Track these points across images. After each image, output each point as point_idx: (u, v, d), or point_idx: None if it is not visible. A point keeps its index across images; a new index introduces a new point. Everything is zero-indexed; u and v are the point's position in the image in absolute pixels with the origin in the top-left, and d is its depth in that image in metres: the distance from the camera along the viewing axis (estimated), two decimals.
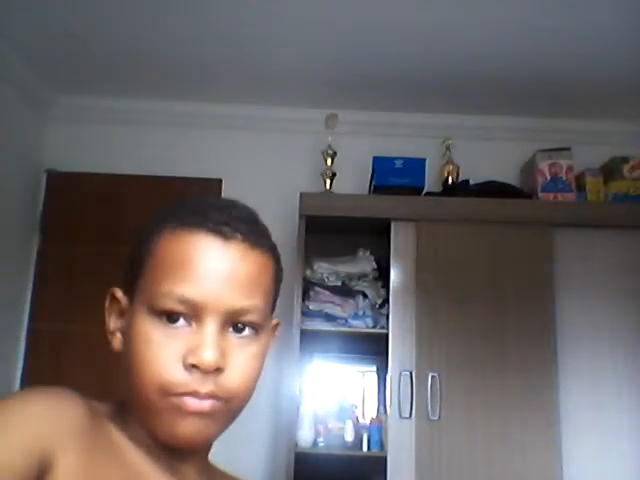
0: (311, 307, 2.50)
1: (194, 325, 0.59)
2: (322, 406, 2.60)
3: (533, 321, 2.40)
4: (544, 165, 2.67)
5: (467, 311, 2.42)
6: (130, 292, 0.63)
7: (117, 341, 0.65)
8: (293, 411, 2.38)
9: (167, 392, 0.58)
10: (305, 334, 2.44)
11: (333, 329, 2.51)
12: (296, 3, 2.23)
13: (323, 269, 2.59)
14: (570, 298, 2.44)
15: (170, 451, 0.62)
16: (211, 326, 0.59)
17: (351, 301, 2.53)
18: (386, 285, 2.52)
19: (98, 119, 3.05)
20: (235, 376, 0.61)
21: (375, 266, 2.61)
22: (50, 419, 0.53)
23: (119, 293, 0.65)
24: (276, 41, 2.50)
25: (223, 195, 3.01)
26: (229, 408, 0.61)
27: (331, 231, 2.72)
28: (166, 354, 0.58)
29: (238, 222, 0.62)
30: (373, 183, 2.66)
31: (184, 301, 0.58)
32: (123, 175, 2.94)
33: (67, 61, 2.72)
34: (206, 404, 0.58)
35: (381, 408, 2.55)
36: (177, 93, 2.97)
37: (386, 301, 2.51)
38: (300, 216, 2.50)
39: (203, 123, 3.07)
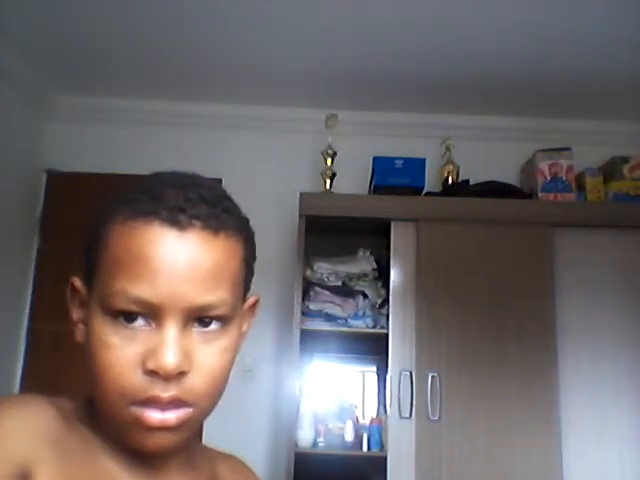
0: (311, 307, 2.50)
1: (153, 325, 0.54)
2: (322, 406, 2.60)
3: (533, 321, 2.40)
4: (544, 165, 2.67)
5: (467, 311, 2.42)
6: (88, 284, 0.58)
7: (80, 333, 0.59)
8: (293, 411, 2.38)
9: (127, 400, 0.53)
10: (305, 334, 2.44)
11: (333, 329, 2.51)
12: (296, 3, 2.23)
13: (323, 269, 2.59)
14: (570, 298, 2.44)
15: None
16: (171, 326, 0.54)
17: (351, 301, 2.53)
18: (386, 285, 2.52)
19: (98, 119, 3.05)
20: (202, 377, 0.55)
21: (375, 266, 2.61)
22: (22, 433, 0.51)
23: (78, 283, 0.60)
24: (276, 41, 2.50)
25: None
26: (198, 411, 0.56)
27: (331, 231, 2.72)
28: (124, 358, 0.53)
29: (197, 205, 0.55)
30: (373, 183, 2.66)
31: (140, 302, 0.53)
32: (123, 175, 2.93)
33: (67, 61, 2.72)
34: (171, 417, 0.54)
35: (381, 408, 2.55)
36: (177, 93, 2.98)
37: (386, 301, 2.51)
38: (300, 216, 2.50)
39: (203, 123, 3.07)
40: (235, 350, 0.60)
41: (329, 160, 2.67)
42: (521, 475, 2.28)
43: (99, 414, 0.58)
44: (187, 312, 0.54)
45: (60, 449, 0.53)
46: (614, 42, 2.39)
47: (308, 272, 2.57)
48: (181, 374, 0.53)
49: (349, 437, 2.46)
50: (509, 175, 2.88)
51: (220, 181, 3.03)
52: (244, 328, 0.65)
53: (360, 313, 2.51)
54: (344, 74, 2.73)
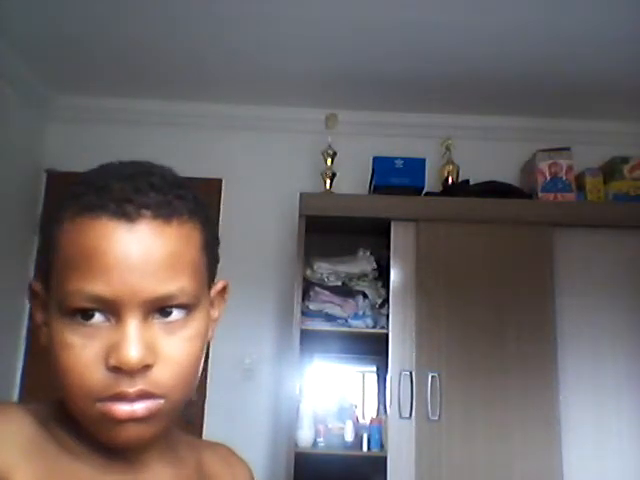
0: (311, 307, 2.50)
1: (113, 320, 0.52)
2: (322, 406, 2.60)
3: (533, 321, 2.40)
4: (544, 165, 2.67)
5: (467, 311, 2.42)
6: (46, 286, 0.57)
7: (44, 336, 0.57)
8: (293, 411, 2.38)
9: (93, 397, 0.52)
10: (305, 334, 2.44)
11: (333, 329, 2.51)
12: (296, 3, 2.23)
13: (323, 269, 2.59)
14: (570, 298, 2.44)
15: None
16: (131, 320, 0.52)
17: (351, 301, 2.53)
18: (386, 285, 2.52)
19: (98, 119, 3.05)
20: (169, 368, 0.54)
21: (375, 266, 2.62)
22: None
23: (37, 286, 0.58)
24: (276, 41, 2.50)
25: (223, 196, 3.01)
26: (170, 402, 0.55)
27: (331, 231, 2.72)
28: (86, 357, 0.52)
29: (145, 194, 0.53)
30: (373, 183, 2.66)
31: (96, 299, 0.51)
32: None
33: (67, 61, 2.72)
34: (140, 408, 0.52)
35: (381, 408, 2.55)
36: (177, 93, 2.98)
37: (386, 301, 2.51)
38: (300, 216, 2.50)
39: (203, 123, 3.07)
40: (203, 338, 0.58)
41: (329, 160, 2.67)
42: (521, 475, 2.28)
43: (70, 414, 0.57)
44: (146, 305, 0.53)
45: (36, 455, 0.52)
46: (614, 42, 2.39)
47: (308, 272, 2.57)
48: (146, 367, 0.52)
49: (349, 437, 2.46)
50: (509, 175, 2.88)
51: (220, 181, 3.05)
52: (215, 315, 0.64)
53: (360, 313, 2.51)
54: (344, 74, 2.73)
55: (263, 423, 2.80)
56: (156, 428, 0.55)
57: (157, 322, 0.54)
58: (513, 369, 2.37)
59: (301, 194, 2.54)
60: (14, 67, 2.69)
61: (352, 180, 2.86)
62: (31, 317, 0.58)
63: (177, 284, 0.54)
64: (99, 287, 0.51)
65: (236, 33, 2.44)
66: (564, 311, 2.42)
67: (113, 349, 0.51)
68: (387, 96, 2.90)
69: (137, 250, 0.52)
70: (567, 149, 2.70)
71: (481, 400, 2.35)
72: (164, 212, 0.54)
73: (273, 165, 3.05)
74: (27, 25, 2.43)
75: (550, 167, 2.67)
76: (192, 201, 0.57)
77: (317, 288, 2.54)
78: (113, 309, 0.52)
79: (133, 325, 0.52)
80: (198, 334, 0.57)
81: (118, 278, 0.51)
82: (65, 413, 0.57)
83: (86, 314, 0.52)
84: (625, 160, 2.70)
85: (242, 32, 2.44)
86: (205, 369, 2.83)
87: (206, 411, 2.79)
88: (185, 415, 2.78)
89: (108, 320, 0.52)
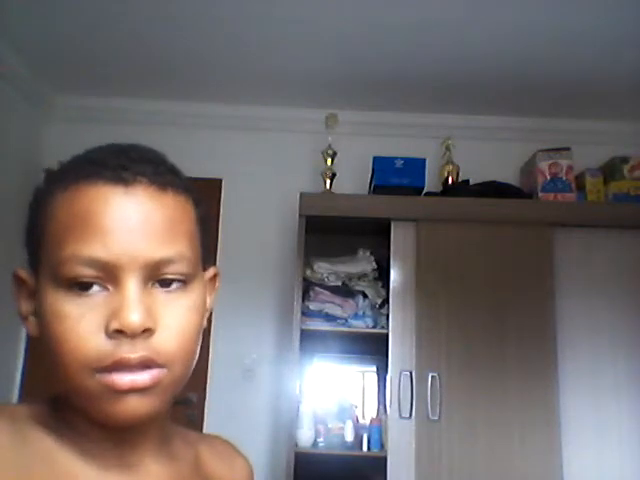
0: (311, 307, 2.50)
1: (111, 288, 0.51)
2: (322, 406, 2.60)
3: (533, 321, 2.40)
4: (544, 165, 2.67)
5: (467, 311, 2.42)
6: (35, 269, 0.55)
7: (32, 326, 0.56)
8: (293, 411, 2.38)
9: (93, 368, 0.50)
10: (305, 334, 2.44)
11: (333, 329, 2.51)
12: (296, 3, 2.23)
13: (323, 269, 2.59)
14: (570, 298, 2.44)
15: (118, 437, 0.56)
16: (132, 284, 0.51)
17: (351, 301, 2.53)
18: (386, 285, 2.52)
19: (98, 119, 3.05)
20: (170, 335, 0.52)
21: (375, 266, 2.62)
22: None
23: (24, 273, 0.57)
24: (276, 41, 2.50)
25: (223, 196, 3.01)
26: (172, 373, 0.53)
27: (331, 231, 2.72)
28: (84, 326, 0.50)
29: (140, 164, 0.53)
30: (373, 183, 2.66)
31: (93, 263, 0.50)
32: None
33: (67, 61, 2.73)
34: (144, 377, 0.50)
35: (381, 408, 2.55)
36: (177, 93, 2.98)
37: (386, 301, 2.51)
38: (300, 216, 2.50)
39: (203, 123, 3.07)
40: (202, 312, 0.57)
41: (329, 160, 2.67)
42: (521, 475, 2.28)
43: (65, 405, 0.55)
44: (145, 268, 0.51)
45: (11, 458, 0.50)
46: (614, 42, 2.39)
47: (308, 272, 2.57)
48: (147, 332, 0.50)
49: (349, 437, 2.46)
50: (509, 175, 2.88)
51: (220, 181, 3.05)
52: (208, 303, 0.62)
53: (360, 313, 2.51)
54: (344, 74, 2.73)
55: (263, 423, 2.80)
56: (159, 401, 0.53)
57: (156, 290, 0.53)
58: (513, 369, 2.37)
59: (301, 194, 2.54)
60: (14, 67, 2.69)
61: (352, 180, 2.86)
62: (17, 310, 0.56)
63: (176, 248, 0.53)
64: (97, 250, 0.50)
65: (236, 33, 2.45)
66: (564, 311, 2.42)
67: (114, 314, 0.50)
68: (387, 96, 2.90)
69: (135, 212, 0.52)
70: (567, 149, 2.70)
71: (481, 400, 2.35)
72: (160, 180, 0.54)
73: (273, 165, 3.05)
74: (27, 25, 2.43)
75: (550, 167, 2.67)
76: (185, 179, 0.58)
77: (317, 288, 2.54)
78: (111, 274, 0.51)
79: (133, 288, 0.51)
80: (197, 306, 0.56)
81: (116, 240, 0.50)
82: (55, 412, 0.56)
83: (84, 285, 0.51)
84: (625, 160, 2.70)
85: (242, 32, 2.44)
86: (205, 369, 2.83)
87: (206, 411, 2.79)
88: (185, 415, 2.78)
89: (106, 289, 0.51)
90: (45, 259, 0.53)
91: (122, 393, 0.50)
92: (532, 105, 2.91)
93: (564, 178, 2.65)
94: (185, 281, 0.54)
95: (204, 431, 2.78)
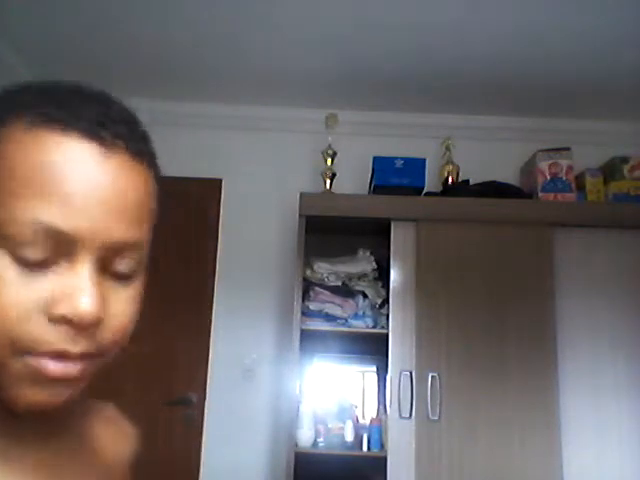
0: (311, 307, 2.50)
1: (63, 264, 0.43)
2: (322, 406, 2.60)
3: (533, 321, 2.40)
4: (544, 165, 2.67)
5: (467, 311, 2.42)
6: None
7: None
8: (293, 411, 2.38)
9: (21, 350, 0.43)
10: (305, 334, 2.44)
11: (333, 329, 2.51)
12: (296, 3, 2.23)
13: (323, 269, 2.59)
14: (570, 298, 2.44)
15: (33, 417, 0.48)
16: (89, 264, 0.44)
17: (351, 301, 2.53)
18: (386, 285, 2.52)
19: None
20: (114, 328, 0.46)
21: (375, 266, 2.62)
22: None
23: None
24: (276, 41, 2.50)
25: (223, 196, 3.01)
26: (102, 362, 0.48)
27: (331, 231, 2.72)
28: (23, 302, 0.42)
29: (119, 123, 0.46)
30: (373, 183, 2.66)
31: (50, 231, 0.42)
32: None
33: (67, 61, 2.72)
34: (77, 368, 0.45)
35: (381, 408, 2.55)
36: (177, 93, 2.98)
37: (386, 301, 2.51)
38: (300, 216, 2.50)
39: (203, 123, 3.07)
40: (140, 302, 0.50)
41: (329, 160, 2.67)
42: (521, 475, 2.28)
43: None
44: (106, 249, 0.44)
45: None
46: (614, 42, 2.39)
47: (308, 272, 2.57)
48: (96, 324, 0.44)
49: (349, 437, 2.46)
50: (509, 175, 2.88)
51: (220, 181, 3.05)
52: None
53: (360, 313, 2.51)
54: (344, 74, 2.73)
55: (263, 423, 2.80)
56: (81, 387, 0.48)
57: (108, 275, 0.46)
58: (513, 369, 2.37)
59: (301, 194, 2.54)
60: (14, 67, 2.69)
61: (352, 180, 2.86)
62: None
63: (141, 233, 0.47)
64: (56, 216, 0.42)
65: (236, 33, 2.45)
66: (564, 311, 2.42)
67: (63, 296, 0.43)
68: (387, 96, 2.90)
69: (109, 182, 0.44)
70: (567, 149, 2.70)
71: (481, 400, 2.35)
72: (136, 147, 0.47)
73: (273, 165, 3.05)
74: (27, 25, 2.43)
75: (550, 167, 2.67)
76: (151, 145, 0.50)
77: (317, 288, 2.54)
78: (67, 248, 0.43)
79: (90, 271, 0.44)
80: (140, 295, 0.50)
81: (82, 210, 0.43)
82: None
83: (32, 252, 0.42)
84: (625, 160, 2.70)
85: (242, 32, 2.44)
86: (205, 369, 2.84)
87: (206, 411, 2.80)
88: (185, 415, 2.78)
89: (56, 263, 0.43)
90: None
91: (49, 380, 0.44)
92: (532, 105, 2.91)
93: (564, 178, 2.65)
94: (136, 270, 0.48)
95: (204, 431, 2.78)
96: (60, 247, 0.43)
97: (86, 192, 0.43)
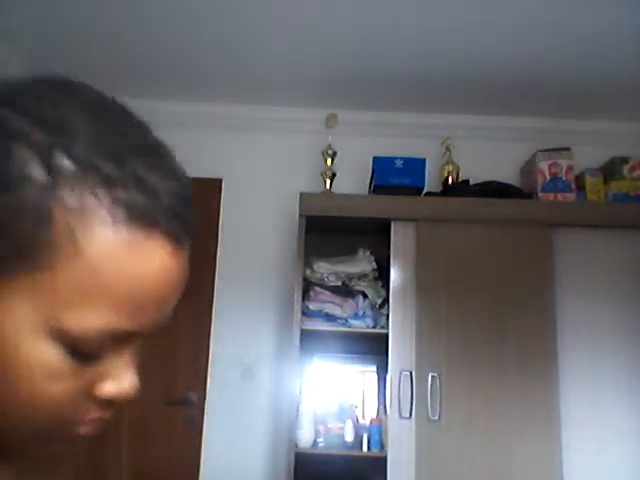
0: (311, 307, 2.50)
1: (114, 349, 0.42)
2: (322, 406, 2.60)
3: (533, 321, 2.40)
4: (544, 165, 2.67)
5: (467, 311, 2.42)
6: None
7: None
8: (293, 411, 2.38)
9: (61, 430, 0.43)
10: (305, 334, 2.44)
11: (333, 329, 2.51)
12: (296, 3, 2.23)
13: (323, 269, 2.59)
14: (570, 297, 2.44)
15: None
16: (134, 349, 0.44)
17: (351, 301, 2.53)
18: (386, 285, 2.52)
19: None
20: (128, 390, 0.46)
21: (375, 266, 2.61)
22: None
23: None
24: (276, 41, 2.50)
25: (223, 196, 3.01)
26: None
27: (331, 231, 2.72)
28: (72, 392, 0.41)
29: (186, 204, 0.42)
30: (373, 183, 2.66)
31: (117, 334, 0.40)
32: None
33: (67, 61, 2.72)
34: (99, 425, 0.46)
35: (381, 408, 2.55)
36: (177, 93, 2.98)
37: (386, 301, 2.51)
38: (300, 216, 2.50)
39: (203, 123, 3.07)
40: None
41: (329, 160, 2.67)
42: (521, 475, 2.28)
43: None
44: None
45: None
46: (614, 42, 2.39)
47: (308, 272, 2.57)
48: None
49: (349, 437, 2.46)
50: (509, 175, 2.88)
51: (220, 181, 3.05)
52: None
53: (360, 313, 2.51)
54: (344, 74, 2.73)
55: (263, 423, 2.80)
56: None
57: None
58: (513, 369, 2.37)
59: (301, 194, 2.54)
60: (14, 67, 2.68)
61: (352, 180, 2.86)
62: None
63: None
64: (128, 322, 0.40)
65: (236, 33, 2.45)
66: (564, 311, 2.42)
67: (110, 377, 0.42)
68: (387, 96, 2.90)
69: (175, 282, 0.42)
70: (567, 149, 2.70)
71: (481, 400, 2.35)
72: (190, 237, 0.43)
73: (273, 165, 3.05)
74: (27, 25, 2.43)
75: (550, 167, 2.67)
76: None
77: (317, 288, 2.54)
78: (127, 341, 0.42)
79: (133, 353, 0.44)
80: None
81: (151, 310, 0.41)
82: None
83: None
84: (625, 160, 2.70)
85: (243, 32, 2.43)
86: (205, 369, 2.84)
87: (206, 411, 2.79)
88: (185, 415, 2.78)
89: (108, 351, 0.42)
90: (44, 294, 0.38)
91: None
92: (532, 105, 2.91)
93: (564, 178, 2.65)
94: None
95: (204, 431, 2.78)
96: (119, 341, 0.41)
97: (158, 295, 0.41)
